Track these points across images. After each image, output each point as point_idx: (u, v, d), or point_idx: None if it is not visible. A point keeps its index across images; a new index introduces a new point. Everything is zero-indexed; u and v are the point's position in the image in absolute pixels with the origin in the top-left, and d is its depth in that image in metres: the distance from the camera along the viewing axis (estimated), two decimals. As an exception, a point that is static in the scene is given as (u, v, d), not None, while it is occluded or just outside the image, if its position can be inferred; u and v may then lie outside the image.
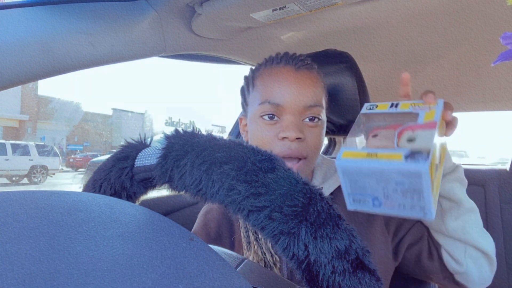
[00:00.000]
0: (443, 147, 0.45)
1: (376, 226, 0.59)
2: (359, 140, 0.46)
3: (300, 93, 0.57)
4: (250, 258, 0.57)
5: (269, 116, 0.57)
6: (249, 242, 0.58)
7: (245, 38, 0.84)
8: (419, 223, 0.62)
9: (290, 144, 0.55)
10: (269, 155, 0.29)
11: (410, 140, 0.39)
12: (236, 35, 0.80)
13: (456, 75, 1.14)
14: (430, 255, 0.59)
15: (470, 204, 0.57)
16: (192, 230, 0.69)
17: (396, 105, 0.46)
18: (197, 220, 0.70)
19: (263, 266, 0.56)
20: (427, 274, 0.61)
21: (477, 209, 0.57)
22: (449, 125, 0.45)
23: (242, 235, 0.59)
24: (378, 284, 0.25)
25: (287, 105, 0.56)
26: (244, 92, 0.65)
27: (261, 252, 0.56)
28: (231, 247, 0.62)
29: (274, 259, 0.56)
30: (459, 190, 0.56)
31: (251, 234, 0.58)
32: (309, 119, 0.58)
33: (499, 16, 0.76)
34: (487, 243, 0.56)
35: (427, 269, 0.60)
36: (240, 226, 0.61)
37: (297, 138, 0.55)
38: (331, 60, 0.75)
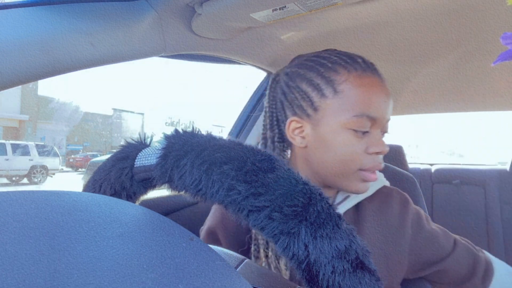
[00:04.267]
0: None
1: (397, 251, 0.58)
2: None
3: (390, 106, 0.56)
4: None
5: (363, 130, 0.53)
6: (257, 257, 0.57)
7: (245, 38, 0.84)
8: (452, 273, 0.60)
9: (379, 158, 0.55)
10: (268, 155, 0.29)
11: None
12: (236, 35, 0.80)
13: (456, 75, 1.14)
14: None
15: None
16: (210, 223, 0.66)
17: None
18: (214, 213, 0.67)
19: None
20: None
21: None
22: None
23: (252, 248, 0.58)
24: (378, 284, 0.25)
25: (380, 119, 0.54)
26: (309, 94, 0.56)
27: (273, 268, 0.55)
28: (247, 249, 0.59)
29: (284, 275, 0.55)
30: None
31: (261, 250, 0.56)
32: (383, 132, 0.57)
33: (499, 16, 0.76)
34: None
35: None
36: (252, 238, 0.58)
37: None
38: (331, 60, 0.75)
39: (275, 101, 0.62)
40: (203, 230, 0.67)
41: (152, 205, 0.93)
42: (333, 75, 0.55)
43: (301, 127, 0.57)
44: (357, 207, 0.61)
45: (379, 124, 0.54)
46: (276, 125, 0.61)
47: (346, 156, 0.53)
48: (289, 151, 0.64)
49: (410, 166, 1.61)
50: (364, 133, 0.53)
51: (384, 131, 0.57)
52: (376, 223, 0.59)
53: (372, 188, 0.61)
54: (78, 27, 0.54)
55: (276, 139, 0.61)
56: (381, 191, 0.62)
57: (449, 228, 0.62)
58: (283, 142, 0.62)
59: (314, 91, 0.55)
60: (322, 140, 0.55)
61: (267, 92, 0.63)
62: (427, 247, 0.59)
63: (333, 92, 0.54)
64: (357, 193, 0.57)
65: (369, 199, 0.61)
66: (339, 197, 0.61)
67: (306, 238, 0.24)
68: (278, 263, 0.55)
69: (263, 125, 0.63)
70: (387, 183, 0.66)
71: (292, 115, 0.58)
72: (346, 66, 0.55)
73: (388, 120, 0.56)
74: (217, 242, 0.64)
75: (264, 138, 0.62)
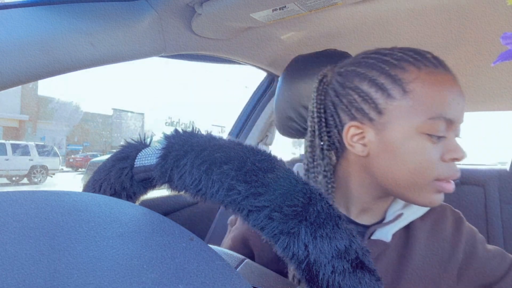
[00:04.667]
0: None
1: (447, 271, 0.53)
2: None
3: (464, 106, 0.50)
4: None
5: (440, 135, 0.47)
6: (300, 280, 0.52)
7: (245, 38, 0.84)
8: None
9: (455, 166, 0.49)
10: (268, 155, 0.29)
11: None
12: (236, 35, 0.80)
13: (456, 75, 1.14)
14: None
15: None
16: (242, 228, 0.60)
17: None
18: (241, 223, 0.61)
19: None
20: None
21: None
22: None
23: (289, 268, 0.53)
24: (378, 284, 0.25)
25: (457, 121, 0.48)
26: (371, 96, 0.49)
27: None
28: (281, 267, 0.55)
29: None
30: None
31: None
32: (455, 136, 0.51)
33: (499, 16, 0.76)
34: None
35: None
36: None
37: None
38: (331, 60, 0.75)
39: (325, 104, 0.55)
40: (235, 228, 0.62)
41: (152, 205, 0.93)
42: (400, 73, 0.48)
43: (361, 133, 0.50)
44: (408, 227, 0.55)
45: (454, 126, 0.48)
46: (325, 131, 0.55)
47: (419, 165, 0.47)
48: (333, 157, 0.57)
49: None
50: (440, 137, 0.47)
51: (456, 135, 0.51)
52: (427, 247, 0.53)
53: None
54: (78, 27, 0.54)
55: (325, 146, 0.54)
56: (434, 208, 0.56)
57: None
58: (332, 150, 0.56)
59: (378, 91, 0.49)
60: (388, 147, 0.49)
61: (314, 95, 0.55)
62: (480, 273, 0.54)
63: (401, 92, 0.48)
64: (431, 206, 0.52)
65: (422, 218, 0.55)
66: (390, 215, 0.55)
67: (306, 238, 0.24)
68: None
69: (309, 131, 0.56)
70: None
71: (350, 119, 0.51)
72: (415, 62, 0.49)
73: (462, 122, 0.50)
74: (248, 250, 0.58)
75: (312, 147, 0.55)
